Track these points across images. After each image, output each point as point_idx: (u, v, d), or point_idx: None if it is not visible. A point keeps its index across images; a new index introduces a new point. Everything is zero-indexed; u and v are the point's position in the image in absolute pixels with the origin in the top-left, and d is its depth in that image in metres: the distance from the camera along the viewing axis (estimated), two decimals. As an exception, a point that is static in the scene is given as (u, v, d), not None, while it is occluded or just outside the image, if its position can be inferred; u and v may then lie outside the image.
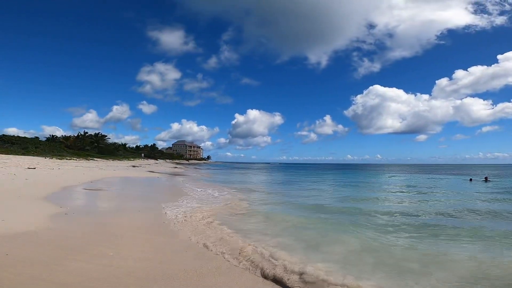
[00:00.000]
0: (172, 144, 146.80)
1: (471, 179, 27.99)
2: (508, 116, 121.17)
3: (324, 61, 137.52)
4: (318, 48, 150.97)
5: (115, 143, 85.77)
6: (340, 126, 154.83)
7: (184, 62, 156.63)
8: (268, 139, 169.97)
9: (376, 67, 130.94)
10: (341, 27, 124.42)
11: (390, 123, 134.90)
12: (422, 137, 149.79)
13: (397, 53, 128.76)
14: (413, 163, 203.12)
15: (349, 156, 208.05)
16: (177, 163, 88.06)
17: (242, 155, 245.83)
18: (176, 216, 8.40)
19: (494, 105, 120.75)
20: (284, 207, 11.62)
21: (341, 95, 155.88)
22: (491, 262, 5.32)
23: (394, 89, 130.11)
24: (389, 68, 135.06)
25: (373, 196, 15.98)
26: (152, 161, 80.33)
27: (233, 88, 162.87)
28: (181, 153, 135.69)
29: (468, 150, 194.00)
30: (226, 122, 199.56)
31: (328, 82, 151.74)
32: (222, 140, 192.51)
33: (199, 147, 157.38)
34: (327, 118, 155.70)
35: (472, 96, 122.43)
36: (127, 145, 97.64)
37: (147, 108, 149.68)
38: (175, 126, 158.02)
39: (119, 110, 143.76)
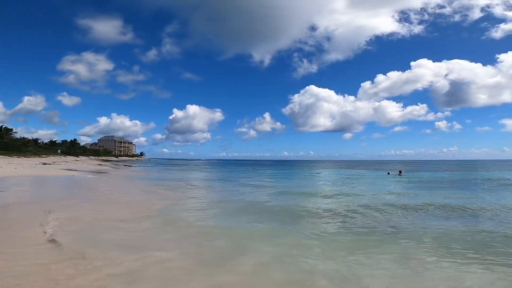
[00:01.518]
0: (98, 140, 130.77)
1: (388, 173, 31.48)
2: (414, 117, 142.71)
3: (267, 60, 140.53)
4: (263, 47, 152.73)
5: (23, 137, 72.55)
6: (278, 124, 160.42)
7: (119, 53, 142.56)
8: (208, 135, 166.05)
9: (314, 68, 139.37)
10: (286, 27, 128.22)
11: (323, 121, 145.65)
12: (348, 135, 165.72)
13: (333, 56, 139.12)
14: (341, 159, 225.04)
15: (285, 152, 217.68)
16: (104, 160, 78.56)
17: (180, 151, 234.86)
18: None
19: (404, 108, 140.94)
20: (201, 207, 10.51)
21: (280, 94, 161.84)
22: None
23: (327, 90, 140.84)
24: (324, 70, 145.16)
25: (304, 191, 16.13)
26: (71, 158, 69.83)
27: (173, 83, 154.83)
28: (109, 149, 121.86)
29: (383, 147, 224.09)
30: (163, 117, 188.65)
31: (269, 80, 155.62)
32: (159, 136, 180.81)
33: (131, 143, 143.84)
34: (267, 115, 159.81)
35: (388, 99, 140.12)
36: (39, 140, 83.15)
37: (68, 100, 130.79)
38: (103, 120, 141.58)
39: (32, 101, 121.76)
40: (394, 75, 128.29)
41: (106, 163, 62.62)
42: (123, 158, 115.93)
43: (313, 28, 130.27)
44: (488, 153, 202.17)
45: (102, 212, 8.31)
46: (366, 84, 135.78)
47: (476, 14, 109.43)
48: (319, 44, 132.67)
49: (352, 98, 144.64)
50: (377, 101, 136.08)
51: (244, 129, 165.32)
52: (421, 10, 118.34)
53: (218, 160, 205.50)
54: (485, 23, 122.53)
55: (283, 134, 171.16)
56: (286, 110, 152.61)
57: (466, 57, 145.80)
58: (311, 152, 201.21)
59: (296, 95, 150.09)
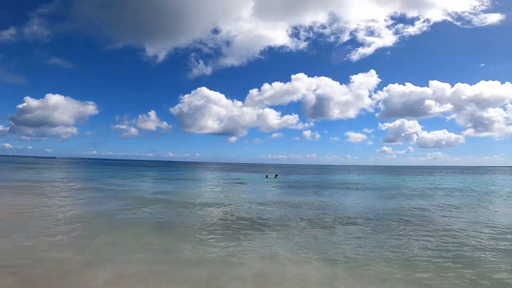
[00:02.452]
0: None
1: (266, 176, 35.06)
2: (288, 126, 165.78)
3: (162, 56, 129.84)
4: (159, 42, 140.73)
5: None
6: (165, 123, 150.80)
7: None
8: (74, 130, 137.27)
9: (208, 70, 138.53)
10: (188, 26, 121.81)
11: (210, 124, 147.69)
12: (233, 138, 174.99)
13: (229, 61, 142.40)
14: (225, 161, 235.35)
15: (170, 153, 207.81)
16: None
17: (30, 147, 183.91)
18: None
19: (282, 116, 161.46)
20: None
21: (170, 93, 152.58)
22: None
23: (218, 93, 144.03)
24: (219, 73, 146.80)
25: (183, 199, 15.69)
26: None
27: (31, 67, 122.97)
28: None
29: (262, 152, 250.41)
30: (9, 106, 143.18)
31: (160, 77, 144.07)
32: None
33: None
34: (152, 113, 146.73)
35: (270, 107, 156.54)
36: None
37: None
38: None
39: None
40: (277, 85, 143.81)
41: None
42: None
43: (215, 31, 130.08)
44: (336, 159, 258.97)
45: None
46: (254, 91, 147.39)
47: (345, 37, 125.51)
48: (218, 47, 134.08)
49: (240, 103, 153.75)
50: (261, 108, 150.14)
51: (123, 126, 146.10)
52: (309, 28, 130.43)
53: (88, 159, 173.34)
54: (349, 46, 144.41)
55: (169, 134, 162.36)
56: (174, 110, 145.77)
57: (331, 75, 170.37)
58: (197, 154, 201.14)
59: (186, 96, 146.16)
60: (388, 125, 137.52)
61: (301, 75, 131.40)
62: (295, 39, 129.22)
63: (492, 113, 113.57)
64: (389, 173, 52.54)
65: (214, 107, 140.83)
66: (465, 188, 19.95)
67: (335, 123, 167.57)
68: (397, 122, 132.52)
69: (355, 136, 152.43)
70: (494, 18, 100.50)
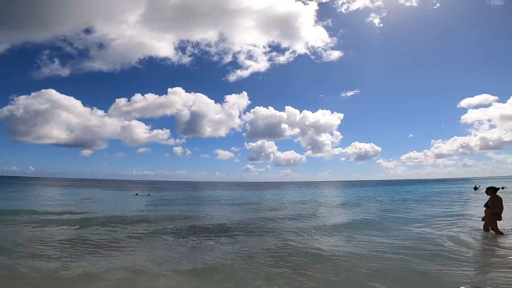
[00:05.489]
0: None
1: (137, 194, 31.95)
2: (158, 141, 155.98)
3: (1, 49, 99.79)
4: (6, 32, 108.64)
5: None
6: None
7: None
8: None
9: (65, 72, 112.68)
10: (51, 20, 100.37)
11: (56, 133, 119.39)
12: (87, 151, 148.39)
13: (97, 65, 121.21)
14: (75, 177, 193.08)
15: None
16: None
17: None
18: None
19: (151, 130, 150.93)
20: None
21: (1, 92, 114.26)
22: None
23: (72, 98, 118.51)
24: (79, 77, 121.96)
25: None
26: None
27: None
28: None
29: (126, 167, 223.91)
30: None
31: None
32: None
33: None
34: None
35: (139, 119, 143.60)
36: None
37: None
38: None
39: None
40: (151, 97, 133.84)
41: None
42: None
43: (88, 31, 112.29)
44: (206, 176, 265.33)
45: None
46: (122, 101, 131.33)
47: (228, 58, 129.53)
48: (86, 48, 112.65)
49: (101, 112, 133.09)
50: (128, 120, 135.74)
51: None
52: (196, 44, 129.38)
53: None
54: (229, 67, 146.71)
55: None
56: (1, 112, 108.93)
57: (208, 93, 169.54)
58: (31, 168, 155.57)
59: (23, 97, 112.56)
60: (252, 144, 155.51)
61: (178, 90, 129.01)
62: (180, 53, 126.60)
63: (324, 137, 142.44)
64: (251, 188, 59.22)
65: (63, 114, 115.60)
66: (307, 200, 25.34)
67: (207, 140, 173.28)
68: (259, 142, 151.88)
69: (224, 154, 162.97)
70: (335, 54, 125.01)
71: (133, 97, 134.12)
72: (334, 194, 35.75)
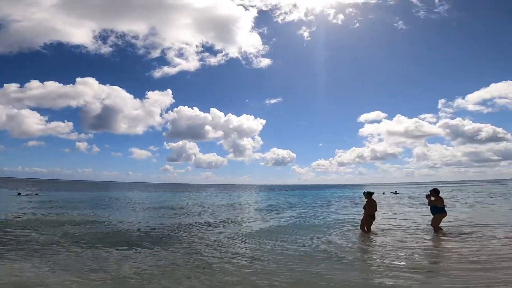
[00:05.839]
0: None
1: (19, 193, 26.23)
2: (57, 134, 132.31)
3: None
4: None
5: None
6: None
7: None
8: None
9: None
10: None
11: None
12: None
13: None
14: None
15: None
16: None
17: None
18: None
19: (49, 122, 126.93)
20: None
21: None
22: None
23: None
24: None
25: None
26: None
27: None
28: None
29: (9, 163, 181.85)
30: None
31: None
32: None
33: None
34: None
35: (33, 109, 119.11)
36: None
37: None
38: None
39: None
40: (53, 85, 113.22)
41: None
42: None
43: None
44: (117, 176, 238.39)
45: None
46: (12, 86, 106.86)
47: (156, 54, 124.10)
48: None
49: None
50: (18, 108, 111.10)
51: None
52: (120, 35, 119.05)
53: None
54: (156, 62, 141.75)
55: None
56: None
57: (127, 87, 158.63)
58: None
59: None
60: (173, 144, 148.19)
61: (90, 80, 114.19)
62: (100, 42, 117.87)
63: (245, 142, 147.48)
64: (170, 190, 56.21)
65: None
66: (228, 204, 25.27)
67: (120, 137, 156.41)
68: (181, 142, 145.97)
69: (140, 153, 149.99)
70: (265, 62, 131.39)
71: (28, 83, 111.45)
72: (253, 199, 36.85)
